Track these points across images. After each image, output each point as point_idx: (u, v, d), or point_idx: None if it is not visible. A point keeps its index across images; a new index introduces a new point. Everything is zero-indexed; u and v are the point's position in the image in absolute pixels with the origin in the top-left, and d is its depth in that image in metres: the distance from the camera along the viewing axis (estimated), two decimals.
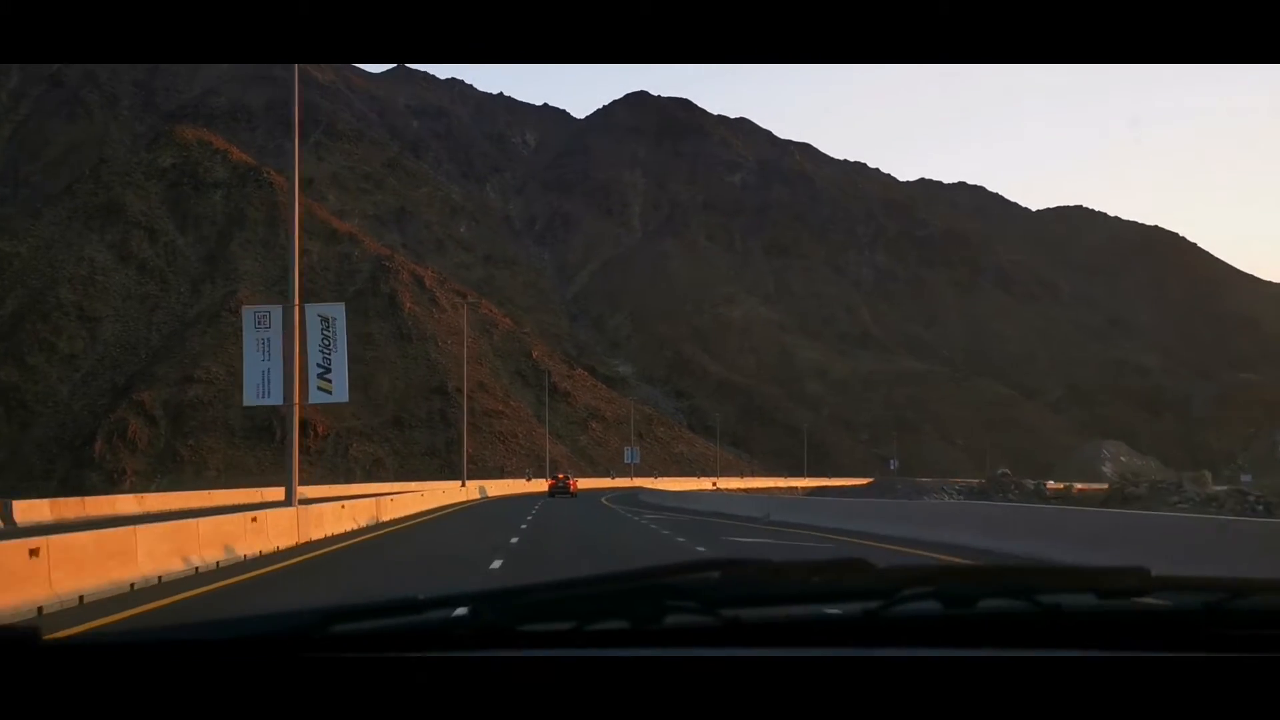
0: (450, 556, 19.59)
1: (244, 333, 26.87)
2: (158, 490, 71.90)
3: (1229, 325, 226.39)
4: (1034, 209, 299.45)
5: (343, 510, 27.06)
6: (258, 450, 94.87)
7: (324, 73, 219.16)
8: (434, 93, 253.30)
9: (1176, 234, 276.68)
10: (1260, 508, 38.23)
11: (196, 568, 14.90)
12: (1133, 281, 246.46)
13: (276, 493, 52.65)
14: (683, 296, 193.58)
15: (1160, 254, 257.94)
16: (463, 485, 61.91)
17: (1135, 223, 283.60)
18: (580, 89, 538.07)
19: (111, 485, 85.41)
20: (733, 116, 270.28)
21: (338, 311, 27.40)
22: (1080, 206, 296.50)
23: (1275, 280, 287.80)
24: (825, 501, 36.54)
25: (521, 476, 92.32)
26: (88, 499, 41.81)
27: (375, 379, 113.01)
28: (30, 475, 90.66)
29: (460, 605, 1.70)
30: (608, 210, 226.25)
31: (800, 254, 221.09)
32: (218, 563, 15.85)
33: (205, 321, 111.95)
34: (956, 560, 15.15)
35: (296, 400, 25.75)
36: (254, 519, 18.72)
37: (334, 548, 20.95)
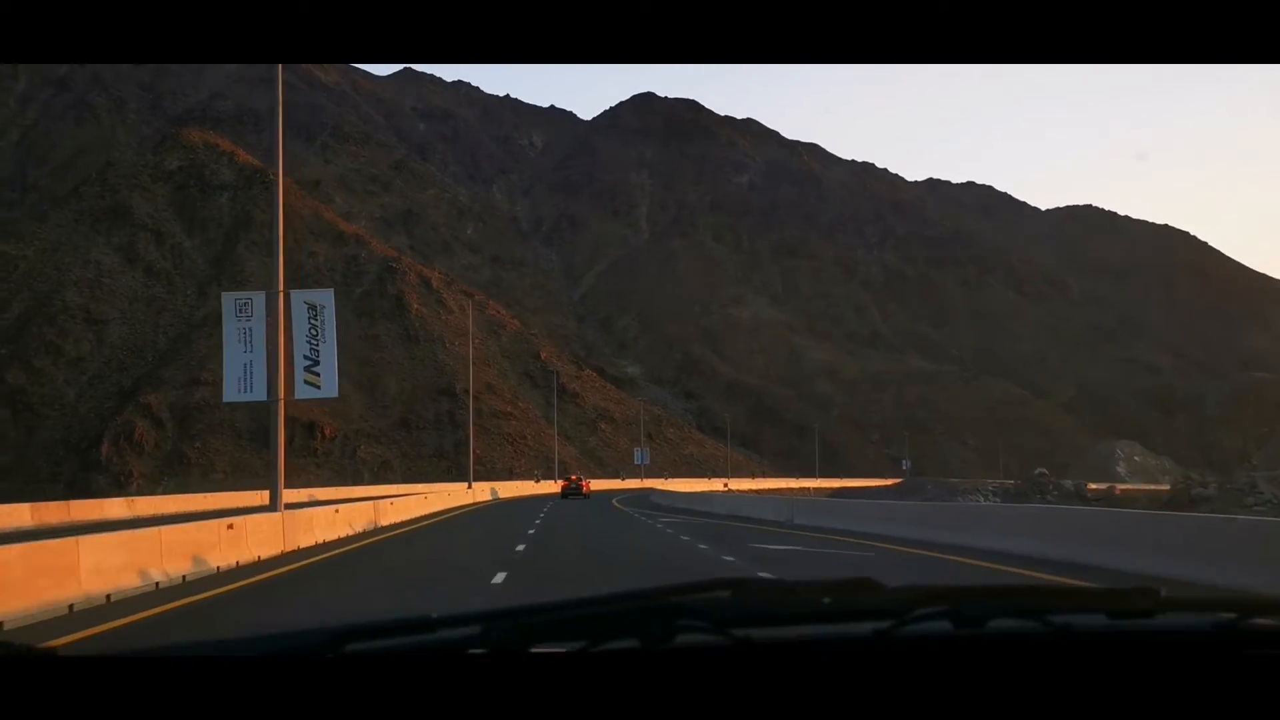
0: (451, 567, 18.06)
1: (224, 322, 24.60)
2: (164, 493, 71.22)
3: (1241, 324, 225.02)
4: (1043, 208, 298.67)
5: (336, 515, 25.33)
6: (265, 453, 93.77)
7: (330, 75, 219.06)
8: (441, 95, 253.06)
9: (1187, 232, 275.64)
10: None
11: (157, 583, 13.38)
12: (1143, 280, 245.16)
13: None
14: (691, 297, 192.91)
15: (1171, 253, 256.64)
16: (469, 487, 61.01)
17: (1145, 221, 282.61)
18: (587, 91, 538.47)
19: (118, 488, 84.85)
20: (740, 117, 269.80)
21: (326, 298, 25.19)
22: (1090, 206, 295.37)
23: None
24: (852, 504, 34.03)
25: (530, 478, 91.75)
26: (72, 503, 39.99)
27: (382, 380, 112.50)
28: (37, 478, 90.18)
29: (472, 625, 1.70)
30: (615, 211, 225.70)
31: (809, 254, 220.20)
32: (184, 577, 14.32)
33: (212, 324, 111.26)
34: (1039, 576, 13.42)
35: (281, 396, 23.91)
36: (230, 526, 17.07)
37: (322, 557, 19.28)
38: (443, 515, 39.99)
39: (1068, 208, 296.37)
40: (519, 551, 19.65)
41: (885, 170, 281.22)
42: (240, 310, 24.26)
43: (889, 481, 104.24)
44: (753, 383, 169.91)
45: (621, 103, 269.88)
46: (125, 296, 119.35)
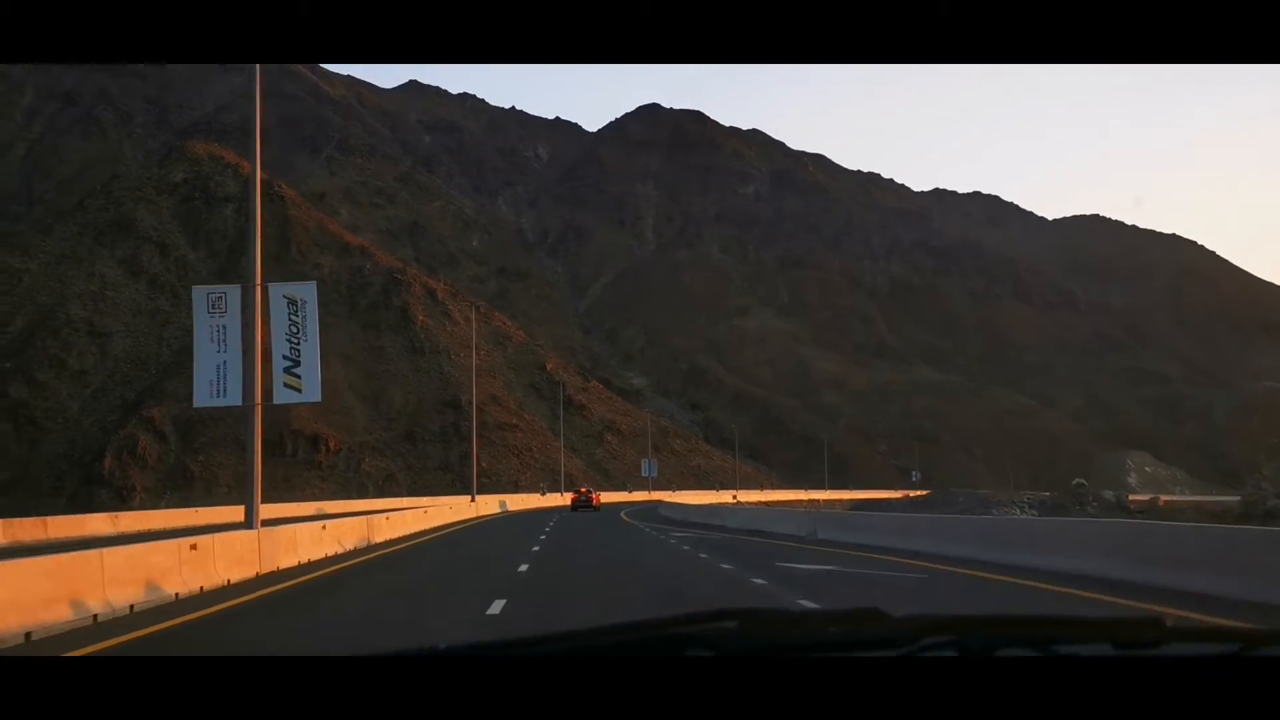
0: (443, 591, 16.17)
1: (195, 318, 22.00)
2: (167, 507, 70.56)
3: (1249, 333, 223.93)
4: (1050, 218, 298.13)
5: (323, 532, 23.00)
6: (268, 465, 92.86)
7: (336, 88, 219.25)
8: (446, 107, 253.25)
9: (1194, 241, 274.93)
10: None
11: (95, 615, 11.50)
12: (1151, 289, 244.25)
13: (285, 509, 51.19)
14: (697, 308, 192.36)
15: (1178, 261, 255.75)
16: (472, 500, 60.08)
17: (1152, 230, 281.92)
18: (592, 102, 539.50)
19: (121, 502, 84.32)
20: (745, 128, 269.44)
21: (308, 292, 22.53)
22: (1097, 215, 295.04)
23: None
24: (878, 517, 31.49)
25: (536, 491, 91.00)
26: (50, 519, 37.51)
27: (387, 393, 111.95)
28: (39, 492, 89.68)
29: (476, 654, 1.68)
30: (620, 222, 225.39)
31: (815, 265, 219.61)
32: (131, 606, 12.40)
33: None
34: (1135, 605, 11.59)
35: (259, 400, 21.83)
36: (193, 546, 15.03)
37: (299, 580, 17.27)
38: (444, 530, 38.79)
39: (1074, 217, 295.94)
40: (521, 573, 18.12)
41: (891, 180, 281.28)
42: (213, 305, 21.89)
43: (903, 493, 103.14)
44: (760, 394, 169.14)
45: (627, 114, 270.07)
46: (129, 309, 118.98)
